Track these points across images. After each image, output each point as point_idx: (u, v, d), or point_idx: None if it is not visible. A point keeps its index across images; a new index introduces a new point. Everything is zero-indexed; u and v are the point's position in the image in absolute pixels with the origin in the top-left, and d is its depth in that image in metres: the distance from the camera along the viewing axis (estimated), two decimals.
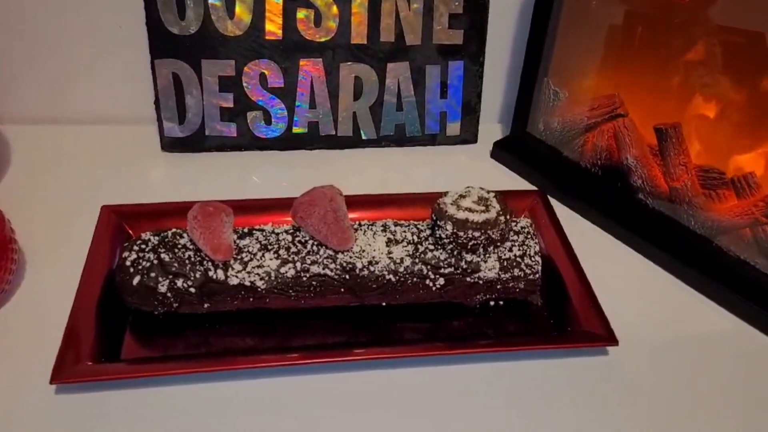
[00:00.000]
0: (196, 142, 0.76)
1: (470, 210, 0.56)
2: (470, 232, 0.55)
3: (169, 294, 0.55)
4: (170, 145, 0.77)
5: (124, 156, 0.77)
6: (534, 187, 0.73)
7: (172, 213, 0.61)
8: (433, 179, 0.75)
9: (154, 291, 0.55)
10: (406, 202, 0.67)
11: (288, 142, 0.78)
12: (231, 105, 0.75)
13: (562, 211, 0.70)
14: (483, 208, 0.56)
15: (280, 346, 0.56)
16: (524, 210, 0.68)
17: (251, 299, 0.56)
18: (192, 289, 0.55)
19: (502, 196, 0.58)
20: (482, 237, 0.55)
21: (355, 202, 0.62)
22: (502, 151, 0.79)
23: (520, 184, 0.75)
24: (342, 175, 0.75)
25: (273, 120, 0.76)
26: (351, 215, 0.57)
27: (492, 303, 0.59)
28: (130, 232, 0.64)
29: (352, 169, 0.76)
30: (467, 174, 0.76)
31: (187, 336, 0.56)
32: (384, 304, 0.58)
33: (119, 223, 0.64)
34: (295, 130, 0.77)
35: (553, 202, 0.70)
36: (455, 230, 0.55)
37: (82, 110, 0.81)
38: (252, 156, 0.77)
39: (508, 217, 0.56)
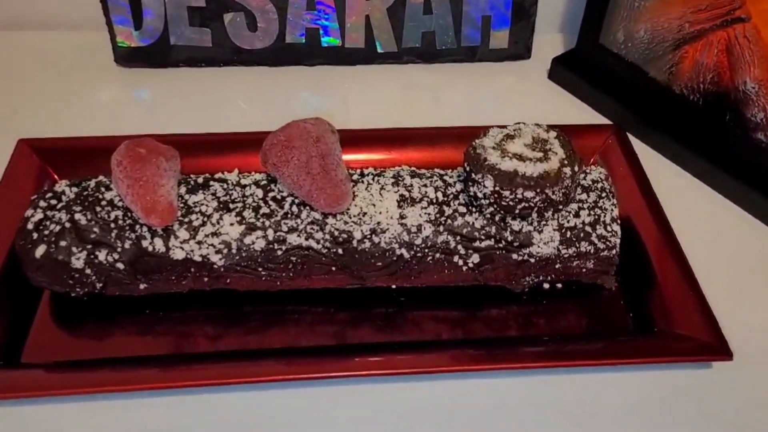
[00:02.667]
0: (158, 54, 0.68)
1: (521, 157, 0.46)
2: (520, 190, 0.45)
3: (88, 270, 0.45)
4: (125, 57, 0.68)
5: (64, 72, 0.68)
6: (608, 121, 0.66)
7: None
8: (470, 108, 0.68)
9: (66, 266, 0.45)
10: (429, 140, 0.58)
11: (279, 55, 0.70)
12: (203, 4, 0.66)
13: (646, 154, 0.62)
14: (540, 154, 0.46)
15: (250, 350, 0.47)
16: (594, 153, 0.59)
17: (206, 279, 0.46)
18: (120, 265, 0.45)
19: (568, 136, 0.48)
20: (537, 198, 0.45)
21: (358, 138, 0.56)
22: (564, 70, 0.71)
23: (588, 115, 0.67)
24: (349, 100, 0.67)
25: (259, 25, 0.68)
26: (350, 157, 0.50)
27: (546, 285, 0.50)
28: (56, 177, 0.54)
29: (362, 93, 0.68)
30: (517, 101, 0.69)
31: (121, 327, 0.48)
32: (394, 286, 0.49)
33: (41, 165, 0.55)
34: (289, 39, 0.69)
35: (634, 141, 0.62)
36: (498, 187, 0.46)
37: (9, 11, 0.72)
38: (232, 73, 0.70)
39: (576, 168, 0.46)
